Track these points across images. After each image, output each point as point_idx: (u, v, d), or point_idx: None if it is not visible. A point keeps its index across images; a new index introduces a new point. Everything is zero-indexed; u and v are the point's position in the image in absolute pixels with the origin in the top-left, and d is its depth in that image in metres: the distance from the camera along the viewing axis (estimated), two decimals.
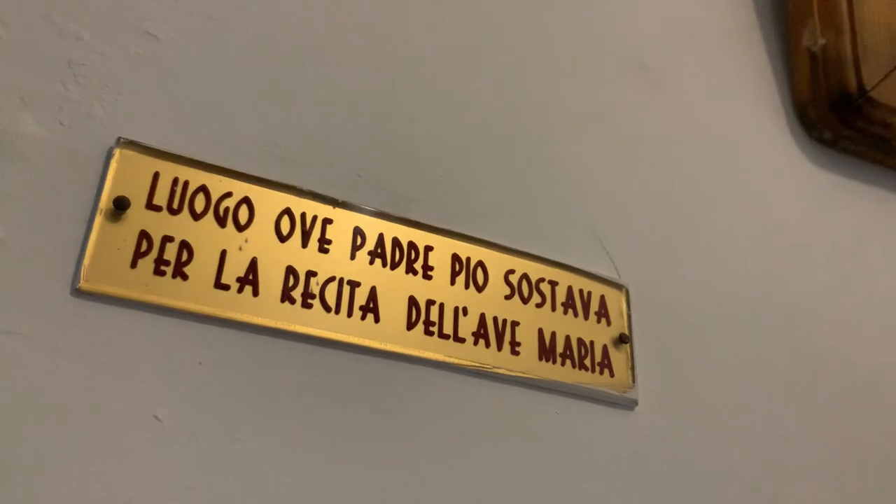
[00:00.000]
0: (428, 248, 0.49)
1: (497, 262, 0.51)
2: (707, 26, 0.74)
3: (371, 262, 0.46)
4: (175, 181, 0.43)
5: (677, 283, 0.58)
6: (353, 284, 0.45)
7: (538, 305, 0.51)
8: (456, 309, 0.48)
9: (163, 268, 0.41)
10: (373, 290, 0.46)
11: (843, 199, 0.71)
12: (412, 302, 0.47)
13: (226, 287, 0.42)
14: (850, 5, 0.72)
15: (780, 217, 0.67)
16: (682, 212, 0.62)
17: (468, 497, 0.44)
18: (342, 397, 0.43)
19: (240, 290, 0.42)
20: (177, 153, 0.44)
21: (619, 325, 0.53)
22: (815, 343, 0.62)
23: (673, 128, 0.66)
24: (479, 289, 0.49)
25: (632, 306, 0.55)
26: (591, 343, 0.51)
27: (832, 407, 0.60)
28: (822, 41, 0.72)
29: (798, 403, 0.58)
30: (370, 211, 0.48)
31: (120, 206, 0.41)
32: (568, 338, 0.51)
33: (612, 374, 0.51)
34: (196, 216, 0.43)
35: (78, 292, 0.39)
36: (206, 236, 0.43)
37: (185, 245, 0.42)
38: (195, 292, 0.41)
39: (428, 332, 0.46)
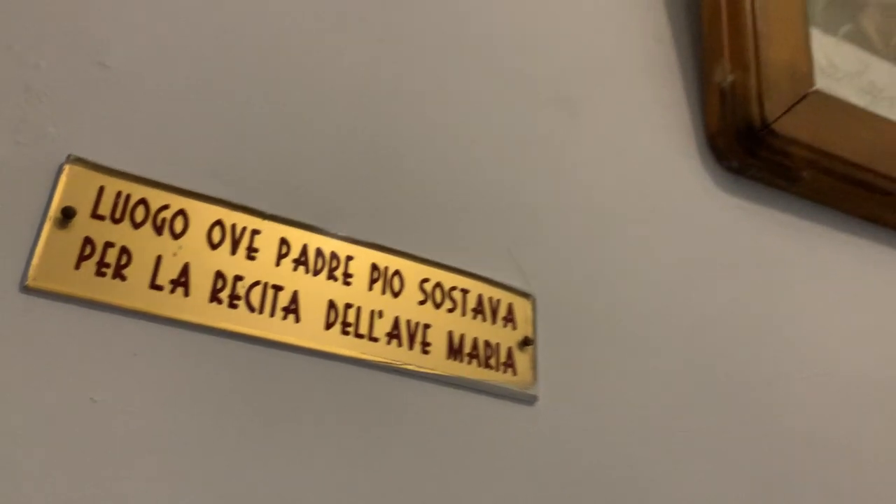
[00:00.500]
0: (349, 258, 0.54)
1: (413, 272, 0.56)
2: (628, 63, 0.81)
3: (295, 269, 0.52)
4: (118, 194, 0.49)
5: (584, 294, 0.64)
6: (277, 288, 0.51)
7: (450, 310, 0.57)
8: (372, 312, 0.53)
9: (103, 269, 0.47)
10: (295, 294, 0.51)
11: (748, 222, 0.77)
12: (331, 305, 0.52)
13: (160, 288, 0.48)
14: (757, 46, 0.79)
15: (688, 237, 0.73)
16: (595, 231, 0.68)
17: (375, 484, 0.50)
18: (261, 387, 0.49)
19: (172, 291, 0.48)
20: (121, 169, 0.49)
21: (524, 330, 0.59)
22: (713, 352, 0.68)
23: (589, 155, 0.72)
24: (395, 294, 0.55)
25: (538, 313, 0.60)
26: (498, 345, 0.57)
27: (724, 409, 0.66)
28: (730, 78, 0.79)
29: (693, 404, 0.64)
30: (296, 223, 0.53)
31: (67, 214, 0.47)
32: (476, 340, 0.56)
33: (515, 373, 0.57)
34: (136, 225, 0.49)
35: (26, 289, 0.44)
36: (144, 243, 0.48)
37: (124, 250, 0.48)
38: (132, 292, 0.47)
39: (344, 332, 0.52)
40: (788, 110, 0.77)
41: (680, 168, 0.77)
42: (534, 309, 0.60)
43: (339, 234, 0.55)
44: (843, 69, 0.88)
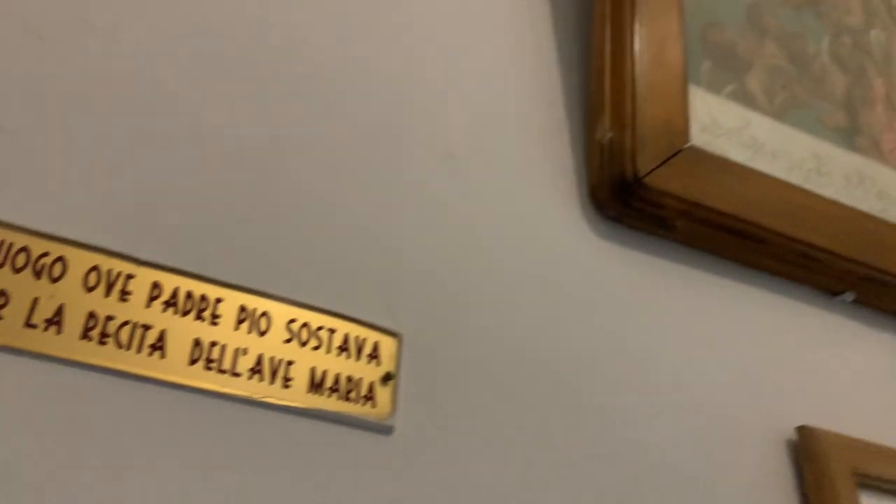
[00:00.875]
0: (218, 300, 0.60)
1: (282, 312, 0.62)
2: (519, 120, 0.87)
3: (164, 310, 0.58)
4: (2, 243, 0.55)
5: (454, 334, 0.70)
6: (146, 327, 0.57)
7: (315, 348, 0.62)
8: (236, 350, 0.59)
9: None
10: (162, 333, 0.57)
11: (623, 265, 0.83)
12: (197, 343, 0.58)
13: (34, 326, 0.53)
14: (634, 106, 0.87)
15: (562, 280, 0.79)
16: (469, 274, 0.74)
17: None
18: (125, 418, 0.54)
19: (45, 329, 0.53)
20: (6, 221, 0.55)
21: (388, 366, 0.64)
22: (579, 389, 0.73)
23: (473, 207, 0.78)
24: (261, 334, 0.61)
25: (405, 351, 0.66)
26: (360, 380, 0.63)
27: (585, 443, 0.71)
28: (609, 135, 0.86)
29: (554, 439, 0.69)
30: (170, 268, 0.59)
31: None
32: (338, 375, 0.62)
33: (374, 406, 0.62)
34: (16, 270, 0.54)
35: None
36: (23, 286, 0.54)
37: (2, 293, 0.53)
38: (7, 330, 0.52)
39: (208, 368, 0.57)
40: (661, 164, 0.84)
41: (560, 217, 0.83)
42: (400, 347, 0.66)
43: (211, 277, 0.60)
44: (724, 126, 0.96)
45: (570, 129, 0.90)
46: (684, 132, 0.88)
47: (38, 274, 0.55)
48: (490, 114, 0.86)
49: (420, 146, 0.78)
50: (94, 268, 0.57)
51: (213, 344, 0.58)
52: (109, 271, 0.57)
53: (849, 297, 0.95)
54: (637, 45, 0.90)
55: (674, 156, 0.85)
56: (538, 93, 0.91)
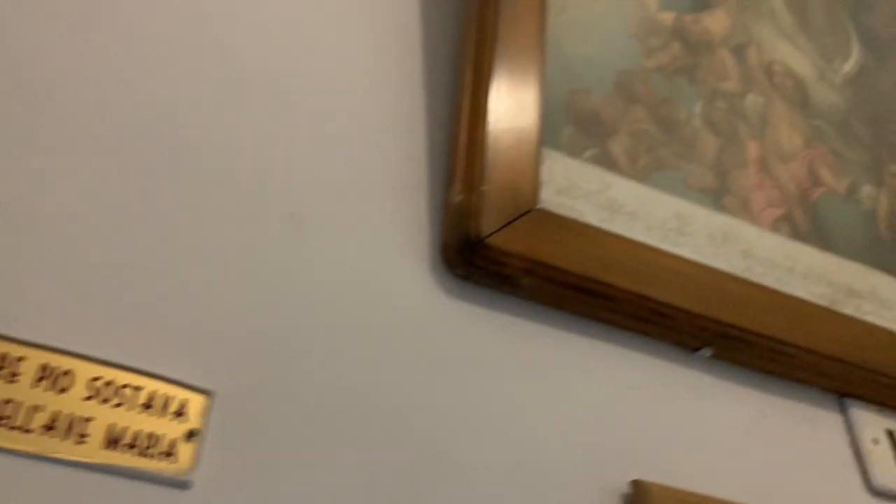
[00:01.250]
0: (20, 359, 0.62)
1: (86, 371, 0.64)
2: (374, 184, 0.91)
3: None
4: None
5: (277, 393, 0.72)
6: None
7: (117, 405, 0.64)
8: (32, 407, 0.61)
9: None
10: None
11: (473, 324, 0.86)
12: None
13: None
14: (483, 170, 0.91)
15: (407, 338, 0.82)
16: (305, 334, 0.76)
17: None
18: None
19: None
20: None
21: (194, 423, 0.66)
22: (406, 446, 0.75)
23: (314, 269, 0.81)
24: (61, 391, 0.63)
25: (216, 409, 0.68)
26: (162, 436, 0.64)
27: (410, 498, 0.72)
28: (459, 198, 0.90)
29: (380, 492, 0.71)
30: None
31: None
32: (139, 432, 0.64)
33: (174, 462, 0.64)
34: None
35: None
36: None
37: None
38: None
39: None
40: (505, 226, 0.87)
41: (409, 275, 0.86)
42: (211, 404, 0.68)
43: (14, 337, 0.63)
44: (583, 188, 1.00)
45: (432, 190, 0.94)
46: (532, 195, 0.92)
47: None
48: (349, 172, 0.88)
49: (259, 205, 0.81)
50: None
51: (8, 402, 0.60)
52: None
53: (706, 352, 0.98)
54: (491, 114, 0.95)
55: (519, 217, 0.89)
56: (403, 153, 0.95)
